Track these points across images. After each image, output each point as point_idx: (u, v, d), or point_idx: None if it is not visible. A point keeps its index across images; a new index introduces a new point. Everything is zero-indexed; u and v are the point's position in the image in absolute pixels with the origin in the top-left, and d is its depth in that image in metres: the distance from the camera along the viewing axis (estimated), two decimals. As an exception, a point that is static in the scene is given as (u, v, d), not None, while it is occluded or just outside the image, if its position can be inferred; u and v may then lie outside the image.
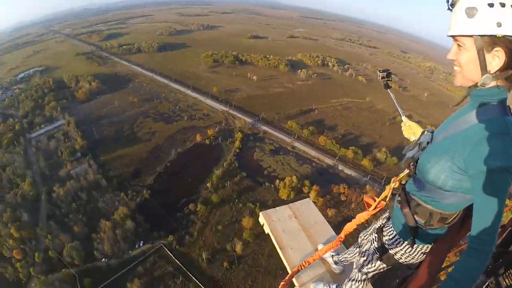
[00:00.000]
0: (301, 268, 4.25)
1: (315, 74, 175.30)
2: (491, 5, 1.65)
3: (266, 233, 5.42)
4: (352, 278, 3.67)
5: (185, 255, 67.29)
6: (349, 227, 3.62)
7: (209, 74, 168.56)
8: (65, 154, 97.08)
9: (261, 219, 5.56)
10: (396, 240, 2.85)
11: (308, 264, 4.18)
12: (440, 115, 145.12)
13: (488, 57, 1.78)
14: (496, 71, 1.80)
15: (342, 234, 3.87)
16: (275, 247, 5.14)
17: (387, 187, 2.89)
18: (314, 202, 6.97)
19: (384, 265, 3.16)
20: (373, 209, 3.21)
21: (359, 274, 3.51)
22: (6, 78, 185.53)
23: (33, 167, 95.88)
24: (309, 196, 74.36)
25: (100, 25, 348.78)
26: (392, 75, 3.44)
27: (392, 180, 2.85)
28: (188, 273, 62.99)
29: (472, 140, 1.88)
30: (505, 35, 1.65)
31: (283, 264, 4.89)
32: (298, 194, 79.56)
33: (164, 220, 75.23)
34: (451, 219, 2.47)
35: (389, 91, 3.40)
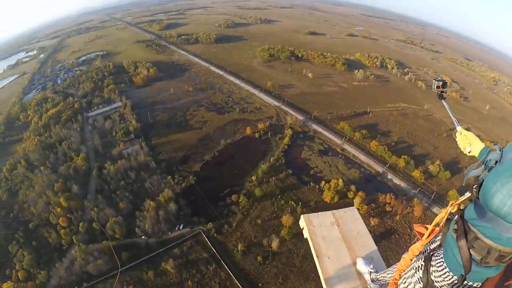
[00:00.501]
0: None
1: (372, 76, 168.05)
2: None
3: (305, 237, 5.33)
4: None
5: (222, 243, 67.86)
6: (403, 264, 3.18)
7: (264, 68, 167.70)
8: (119, 135, 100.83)
9: (302, 223, 5.51)
10: (444, 273, 2.48)
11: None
12: (501, 132, 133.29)
13: None
14: None
15: (396, 275, 3.40)
16: (311, 250, 5.04)
17: (443, 211, 2.63)
18: (358, 209, 6.31)
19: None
20: (427, 238, 2.99)
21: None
22: (69, 60, 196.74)
23: (87, 143, 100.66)
24: (353, 203, 72.90)
25: (160, 14, 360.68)
26: (447, 86, 3.34)
27: (450, 203, 2.58)
28: (222, 261, 63.60)
29: None
30: None
31: (317, 270, 4.75)
32: (342, 198, 77.33)
33: (206, 207, 76.00)
34: (508, 258, 2.12)
35: (443, 101, 3.35)
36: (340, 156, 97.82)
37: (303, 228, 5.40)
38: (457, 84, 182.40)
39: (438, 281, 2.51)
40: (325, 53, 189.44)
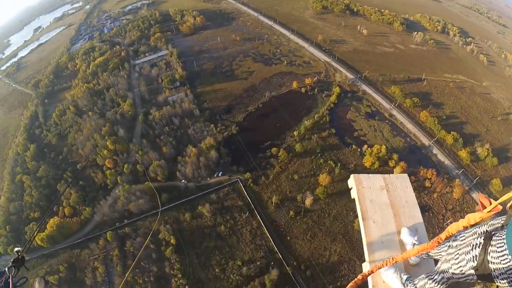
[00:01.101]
0: (384, 265, 3.51)
1: (432, 40, 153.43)
2: None
3: (352, 197, 5.13)
4: (430, 277, 3.30)
5: (257, 194, 69.17)
6: (454, 227, 2.89)
7: (316, 21, 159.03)
8: (165, 82, 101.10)
9: (351, 182, 5.24)
10: (503, 255, 2.28)
11: (391, 263, 3.44)
12: None
13: None
14: None
15: (443, 235, 3.04)
16: (349, 211, 9.38)
17: (480, 217, 2.64)
18: (409, 177, 5.61)
19: (475, 278, 2.65)
20: (488, 211, 2.68)
21: (440, 276, 3.12)
22: (114, 9, 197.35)
23: (134, 90, 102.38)
24: (393, 172, 69.51)
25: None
26: None
27: (486, 213, 2.60)
28: (255, 211, 65.35)
29: None
30: None
31: (353, 232, 8.66)
32: (383, 166, 75.01)
33: (246, 157, 76.80)
34: None
35: None
36: (387, 121, 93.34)
37: (351, 188, 5.17)
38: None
39: (494, 262, 2.29)
40: (383, 10, 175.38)
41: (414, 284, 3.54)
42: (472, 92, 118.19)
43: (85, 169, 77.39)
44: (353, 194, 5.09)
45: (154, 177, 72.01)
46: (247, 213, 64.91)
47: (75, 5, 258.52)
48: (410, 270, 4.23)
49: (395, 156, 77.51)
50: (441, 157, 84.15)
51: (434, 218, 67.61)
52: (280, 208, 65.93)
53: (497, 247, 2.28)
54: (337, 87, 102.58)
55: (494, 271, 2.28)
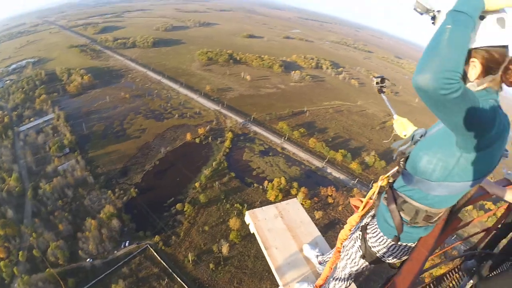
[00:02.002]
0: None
1: (308, 76, 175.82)
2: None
3: (252, 232, 5.37)
4: (336, 277, 3.66)
5: (171, 256, 66.97)
6: (343, 234, 3.53)
7: (203, 72, 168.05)
8: (53, 149, 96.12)
9: (247, 219, 5.50)
10: (380, 238, 2.84)
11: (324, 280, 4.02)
12: (430, 121, 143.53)
13: (467, 68, 2.00)
14: (476, 78, 2.02)
15: (339, 243, 3.73)
16: (261, 248, 5.08)
17: (375, 185, 2.96)
18: (302, 204, 7.20)
19: (367, 264, 3.17)
20: (362, 210, 3.21)
21: (343, 273, 3.52)
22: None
23: (20, 161, 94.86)
24: (297, 197, 75.96)
25: (96, 17, 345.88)
26: (386, 81, 3.77)
27: (380, 178, 2.90)
28: (174, 274, 62.73)
29: None
30: (476, 48, 1.90)
31: (269, 266, 4.81)
32: (286, 196, 79.32)
33: (151, 219, 74.84)
34: (436, 218, 2.50)
35: (382, 95, 3.72)
36: (280, 155, 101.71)
37: (249, 224, 5.49)
38: (388, 80, 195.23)
39: (374, 246, 2.88)
40: (262, 56, 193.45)
41: None
42: (350, 113, 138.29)
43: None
44: (252, 229, 5.35)
45: (55, 261, 64.71)
46: (166, 279, 61.71)
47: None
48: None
49: (295, 184, 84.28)
50: (336, 174, 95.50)
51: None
52: (198, 264, 64.87)
53: (372, 233, 2.88)
54: (230, 132, 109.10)
55: (378, 253, 2.86)
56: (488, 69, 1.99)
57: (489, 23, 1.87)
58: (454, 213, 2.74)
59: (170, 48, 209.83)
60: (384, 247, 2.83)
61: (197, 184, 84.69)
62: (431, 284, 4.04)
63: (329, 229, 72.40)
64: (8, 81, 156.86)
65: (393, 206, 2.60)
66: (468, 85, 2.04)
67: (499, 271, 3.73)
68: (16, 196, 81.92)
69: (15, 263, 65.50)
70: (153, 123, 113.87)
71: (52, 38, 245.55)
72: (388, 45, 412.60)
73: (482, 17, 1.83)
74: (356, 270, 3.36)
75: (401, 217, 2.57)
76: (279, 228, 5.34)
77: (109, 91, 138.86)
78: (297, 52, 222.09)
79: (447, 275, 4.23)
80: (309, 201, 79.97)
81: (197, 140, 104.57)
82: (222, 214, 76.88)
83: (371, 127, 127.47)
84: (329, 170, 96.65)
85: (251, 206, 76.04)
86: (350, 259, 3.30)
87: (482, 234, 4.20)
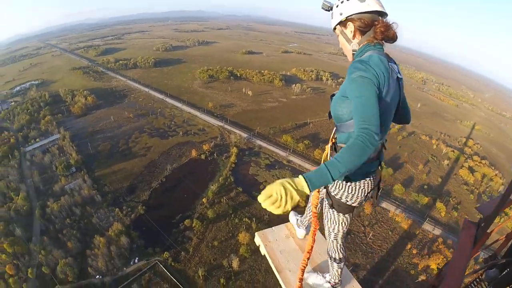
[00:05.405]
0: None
1: (309, 88, 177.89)
2: (336, 5, 3.03)
3: (263, 254, 5.15)
4: (328, 250, 4.26)
5: (181, 271, 66.23)
6: (314, 198, 3.80)
7: (204, 90, 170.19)
8: (60, 169, 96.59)
9: (257, 240, 5.31)
10: (336, 185, 3.42)
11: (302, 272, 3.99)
12: (433, 125, 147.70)
13: (346, 32, 3.08)
14: (354, 37, 3.06)
15: (313, 208, 4.11)
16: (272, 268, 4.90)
17: (326, 147, 3.56)
18: None
19: (344, 218, 3.70)
20: None
21: (330, 240, 4.08)
22: (2, 91, 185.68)
23: (27, 181, 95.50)
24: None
25: (97, 40, 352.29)
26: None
27: (330, 140, 3.53)
28: None
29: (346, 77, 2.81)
30: (346, 17, 2.95)
31: (281, 286, 4.63)
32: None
33: (159, 236, 74.36)
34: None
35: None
36: (287, 168, 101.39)
37: (259, 246, 5.25)
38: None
39: (337, 193, 3.44)
40: (262, 71, 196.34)
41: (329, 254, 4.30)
42: None
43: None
44: (263, 251, 5.14)
45: (64, 278, 64.62)
46: None
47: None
48: (323, 269, 4.81)
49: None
50: None
51: (357, 238, 73.91)
52: (209, 279, 63.82)
53: (333, 186, 3.45)
54: (234, 147, 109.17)
55: (341, 198, 3.42)
56: (363, 30, 2.97)
57: (353, 1, 2.90)
58: (489, 219, 3.12)
59: (171, 67, 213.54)
60: (343, 191, 3.41)
61: (204, 200, 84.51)
62: None
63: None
64: (12, 103, 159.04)
65: (334, 153, 3.38)
66: (352, 44, 3.08)
67: None
68: (24, 215, 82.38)
69: (24, 280, 65.75)
70: (158, 141, 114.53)
71: (55, 61, 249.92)
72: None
73: (341, 2, 3.03)
74: (339, 229, 3.87)
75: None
76: (292, 249, 5.10)
77: (113, 111, 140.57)
78: (297, 65, 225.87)
79: (471, 286, 4.21)
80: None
81: (203, 156, 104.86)
82: (231, 228, 76.35)
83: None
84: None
85: (259, 220, 76.96)
86: (327, 218, 3.86)
87: (502, 240, 4.21)
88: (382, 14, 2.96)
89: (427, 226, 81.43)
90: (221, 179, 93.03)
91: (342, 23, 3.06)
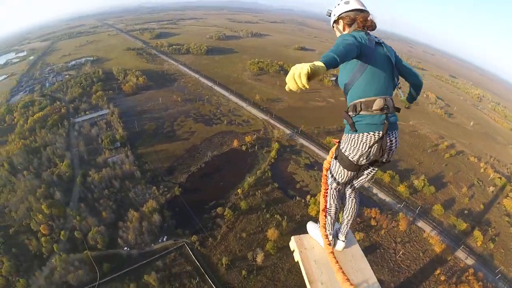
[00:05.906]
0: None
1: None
2: (332, 11, 4.39)
3: (296, 261, 5.05)
4: (329, 195, 5.09)
5: (206, 257, 66.43)
6: (326, 163, 5.05)
7: (253, 82, 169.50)
8: (105, 142, 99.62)
9: (292, 245, 5.24)
10: (345, 139, 4.17)
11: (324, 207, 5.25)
12: (484, 147, 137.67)
13: (339, 27, 4.34)
14: (343, 30, 4.27)
15: (324, 171, 5.09)
16: (303, 276, 4.69)
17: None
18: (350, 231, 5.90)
19: (341, 169, 4.43)
20: (338, 142, 4.51)
21: (333, 188, 4.96)
22: (58, 63, 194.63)
23: (73, 150, 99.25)
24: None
25: (152, 23, 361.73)
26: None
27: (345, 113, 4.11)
28: (206, 275, 62.04)
29: None
30: (338, 16, 4.24)
31: (304, 284, 4.52)
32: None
33: (190, 219, 74.88)
34: (373, 105, 3.79)
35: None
36: None
37: (293, 251, 5.10)
38: (442, 100, 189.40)
39: (343, 147, 4.18)
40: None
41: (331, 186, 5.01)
42: (401, 132, 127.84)
43: (18, 234, 70.36)
44: (296, 257, 5.01)
45: (94, 244, 66.89)
46: (197, 279, 60.97)
47: (19, 54, 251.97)
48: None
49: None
50: (382, 195, 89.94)
51: (386, 253, 70.45)
52: (231, 269, 63.47)
53: (342, 143, 4.17)
54: (276, 143, 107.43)
55: (345, 152, 4.10)
56: (349, 23, 4.14)
57: (340, 4, 4.23)
58: None
59: (222, 56, 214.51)
60: (347, 143, 4.09)
61: (239, 191, 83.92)
62: None
63: (369, 253, 68.81)
64: (67, 76, 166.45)
65: (344, 114, 4.06)
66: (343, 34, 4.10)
67: None
68: (66, 181, 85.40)
69: (55, 241, 68.16)
70: (202, 127, 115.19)
71: (111, 40, 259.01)
72: (442, 63, 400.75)
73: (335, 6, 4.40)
74: (341, 179, 4.62)
75: (348, 115, 3.98)
76: (327, 261, 4.64)
77: (162, 93, 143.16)
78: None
79: None
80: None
81: (244, 148, 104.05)
82: (261, 223, 75.23)
83: (422, 149, 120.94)
84: (375, 190, 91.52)
85: (291, 219, 75.51)
86: (335, 172, 4.60)
87: None
88: (363, 11, 4.10)
89: (460, 254, 74.91)
90: (258, 172, 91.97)
91: (336, 22, 4.33)
